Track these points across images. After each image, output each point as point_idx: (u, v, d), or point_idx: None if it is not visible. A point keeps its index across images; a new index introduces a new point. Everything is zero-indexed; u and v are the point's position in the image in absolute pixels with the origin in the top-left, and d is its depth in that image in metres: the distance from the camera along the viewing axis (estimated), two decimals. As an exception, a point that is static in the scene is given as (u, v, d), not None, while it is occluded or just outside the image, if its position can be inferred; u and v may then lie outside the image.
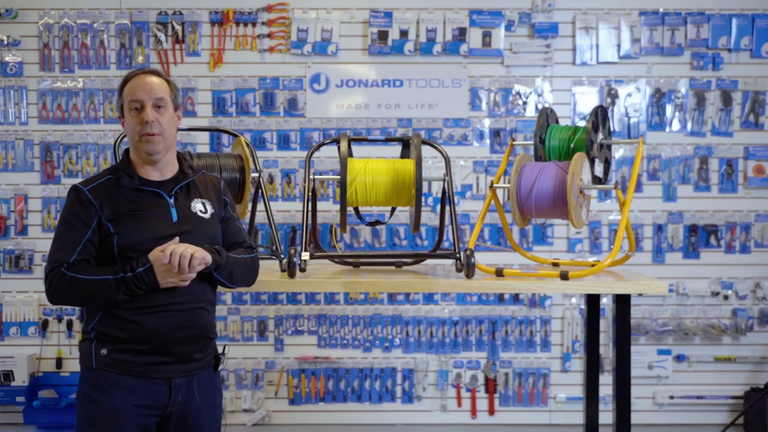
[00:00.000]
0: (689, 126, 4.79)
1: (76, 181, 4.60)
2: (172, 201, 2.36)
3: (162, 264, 2.21)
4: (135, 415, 2.27)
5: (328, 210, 4.65)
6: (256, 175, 3.23)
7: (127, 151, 2.42)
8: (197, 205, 2.41)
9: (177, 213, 2.35)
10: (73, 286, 2.24)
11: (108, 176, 2.36)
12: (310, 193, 3.09)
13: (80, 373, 2.35)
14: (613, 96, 4.77)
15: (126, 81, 2.37)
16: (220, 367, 2.46)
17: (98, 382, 2.28)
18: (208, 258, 2.28)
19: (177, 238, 2.27)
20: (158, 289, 2.24)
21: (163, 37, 4.70)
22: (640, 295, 2.87)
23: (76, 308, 4.67)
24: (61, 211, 2.34)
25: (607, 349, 4.69)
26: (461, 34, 4.73)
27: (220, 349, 2.48)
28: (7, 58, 4.70)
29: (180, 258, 2.21)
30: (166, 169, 2.39)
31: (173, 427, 2.36)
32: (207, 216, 2.41)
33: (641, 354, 4.71)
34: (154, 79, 2.36)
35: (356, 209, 3.40)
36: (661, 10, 4.77)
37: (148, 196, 2.34)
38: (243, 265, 2.46)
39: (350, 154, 3.23)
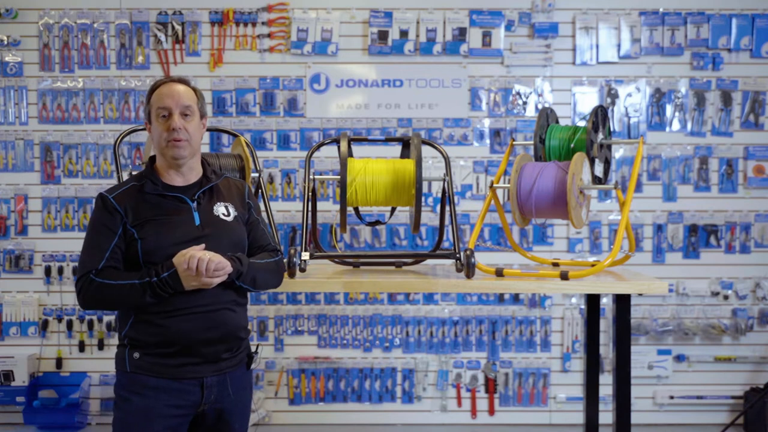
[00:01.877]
0: (689, 126, 4.79)
1: (77, 181, 4.69)
2: (194, 205, 2.42)
3: (184, 269, 2.27)
4: (166, 416, 2.33)
5: (328, 210, 4.65)
6: (256, 175, 3.23)
7: (152, 158, 2.48)
8: (220, 209, 2.47)
9: (199, 217, 2.41)
10: (101, 292, 2.31)
11: (132, 183, 2.43)
12: (310, 193, 3.09)
13: (115, 378, 2.43)
14: (613, 96, 4.77)
15: (154, 88, 2.44)
16: (253, 366, 2.53)
17: (132, 384, 2.35)
18: (227, 266, 2.32)
19: (203, 245, 2.33)
20: (183, 291, 2.31)
21: (163, 37, 4.70)
22: (640, 295, 2.87)
23: (76, 309, 4.69)
24: (89, 219, 2.43)
25: (607, 349, 4.69)
26: (461, 34, 4.73)
27: (252, 348, 2.54)
28: (7, 58, 4.70)
29: (198, 262, 2.26)
30: (191, 174, 2.46)
31: (207, 424, 2.42)
32: (230, 219, 2.47)
33: (641, 354, 4.71)
34: (182, 88, 2.43)
35: (356, 209, 3.40)
36: (661, 10, 4.77)
37: (170, 201, 2.40)
38: (266, 270, 2.52)
39: (350, 154, 3.23)
